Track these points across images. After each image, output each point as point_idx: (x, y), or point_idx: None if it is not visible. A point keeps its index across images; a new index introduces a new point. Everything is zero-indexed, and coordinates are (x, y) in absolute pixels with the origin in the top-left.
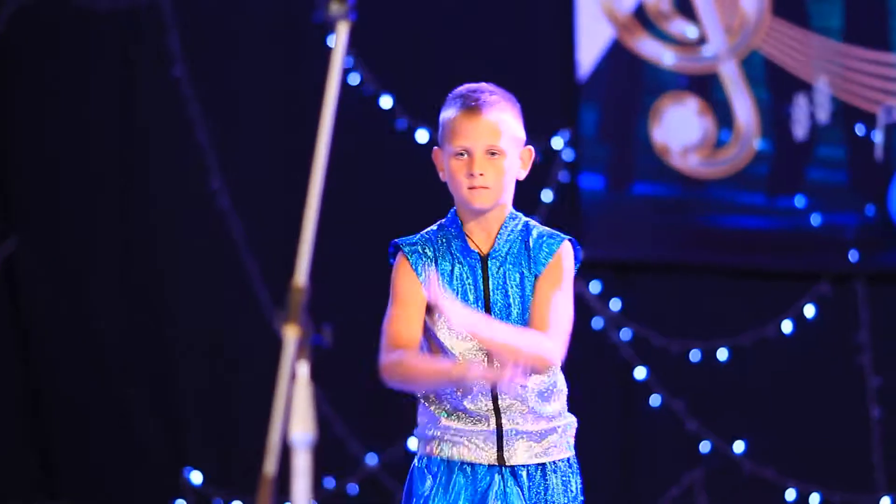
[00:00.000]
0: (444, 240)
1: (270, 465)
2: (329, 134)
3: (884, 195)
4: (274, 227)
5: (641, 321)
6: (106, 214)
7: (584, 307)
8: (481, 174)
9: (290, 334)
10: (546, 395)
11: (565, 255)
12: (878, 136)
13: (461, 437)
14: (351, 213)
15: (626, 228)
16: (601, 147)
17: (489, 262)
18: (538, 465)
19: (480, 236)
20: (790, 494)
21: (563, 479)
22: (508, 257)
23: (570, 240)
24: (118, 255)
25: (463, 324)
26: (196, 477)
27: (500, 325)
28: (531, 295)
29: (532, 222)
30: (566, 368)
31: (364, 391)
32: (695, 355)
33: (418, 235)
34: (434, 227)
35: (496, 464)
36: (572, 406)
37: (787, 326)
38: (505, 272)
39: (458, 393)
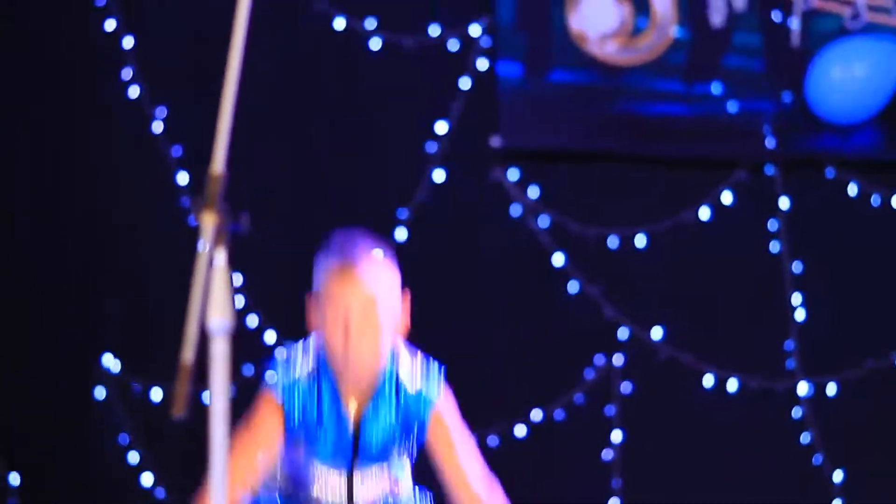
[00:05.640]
0: (315, 393)
1: (189, 353)
2: (244, 25)
3: (800, 82)
4: (191, 117)
5: (559, 208)
6: (15, 85)
7: (502, 195)
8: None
9: (208, 221)
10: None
11: (443, 408)
12: (794, 23)
13: None
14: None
15: (544, 116)
16: (518, 34)
17: (360, 430)
18: None
19: (354, 393)
20: (708, 380)
21: None
22: (380, 418)
23: (439, 378)
24: (28, 137)
25: None
26: (114, 365)
27: None
28: (393, 441)
29: (402, 363)
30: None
31: (282, 281)
32: (612, 242)
33: (293, 375)
34: (304, 362)
35: None
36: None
37: (704, 213)
38: (374, 431)
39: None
